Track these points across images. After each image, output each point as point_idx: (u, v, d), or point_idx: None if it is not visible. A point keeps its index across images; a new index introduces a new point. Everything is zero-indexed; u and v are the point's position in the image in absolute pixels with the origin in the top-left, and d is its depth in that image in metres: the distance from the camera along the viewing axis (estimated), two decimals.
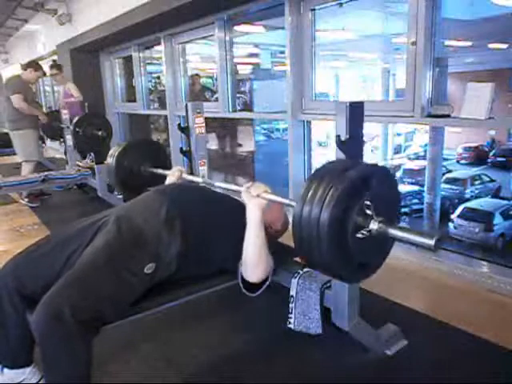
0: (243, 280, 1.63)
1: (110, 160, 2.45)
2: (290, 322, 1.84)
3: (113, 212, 1.66)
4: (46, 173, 4.40)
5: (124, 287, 1.39)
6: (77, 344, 1.24)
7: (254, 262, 1.58)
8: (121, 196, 4.59)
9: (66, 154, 5.40)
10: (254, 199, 1.56)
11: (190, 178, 2.23)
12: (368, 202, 1.18)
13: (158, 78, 5.92)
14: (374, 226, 1.20)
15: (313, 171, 1.27)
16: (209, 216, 1.69)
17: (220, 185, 1.97)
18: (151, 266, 1.46)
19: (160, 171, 2.37)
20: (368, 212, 1.19)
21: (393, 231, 1.19)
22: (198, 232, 1.63)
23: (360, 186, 1.19)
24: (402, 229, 1.21)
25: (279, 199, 1.56)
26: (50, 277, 1.43)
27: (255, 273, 1.59)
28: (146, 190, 2.40)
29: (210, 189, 2.04)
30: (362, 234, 1.19)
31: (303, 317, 1.81)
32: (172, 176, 2.16)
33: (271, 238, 1.74)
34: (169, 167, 2.41)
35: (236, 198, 1.99)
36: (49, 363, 1.27)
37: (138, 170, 2.47)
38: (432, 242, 1.10)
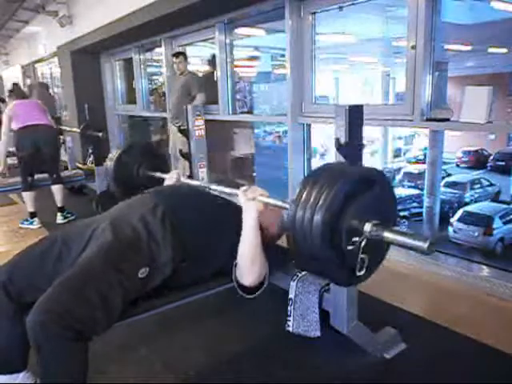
0: (238, 282, 1.63)
1: (109, 163, 2.43)
2: (288, 325, 1.84)
3: (107, 214, 1.65)
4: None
5: (118, 292, 1.36)
6: (71, 349, 1.24)
7: (248, 264, 1.58)
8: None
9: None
10: (250, 202, 1.57)
11: (188, 181, 2.22)
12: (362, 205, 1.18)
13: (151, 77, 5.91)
14: (368, 228, 1.19)
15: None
16: (206, 217, 1.68)
17: (216, 188, 1.97)
18: (144, 270, 1.44)
19: (158, 174, 2.36)
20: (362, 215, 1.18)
21: (387, 234, 1.18)
22: (195, 233, 1.62)
23: (354, 188, 1.18)
24: (396, 232, 1.19)
25: (274, 202, 1.56)
26: (40, 280, 1.42)
27: (249, 276, 1.59)
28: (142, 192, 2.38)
29: (209, 191, 2.03)
30: (356, 237, 1.18)
31: (302, 319, 1.81)
32: (170, 180, 2.16)
33: (268, 241, 1.74)
34: (167, 171, 2.40)
35: (235, 203, 1.99)
36: (44, 367, 1.26)
37: (137, 172, 2.44)
38: (425, 245, 1.09)
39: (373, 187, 1.23)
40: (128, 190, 2.45)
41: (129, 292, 1.41)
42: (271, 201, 1.56)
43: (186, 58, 4.25)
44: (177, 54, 4.25)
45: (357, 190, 1.19)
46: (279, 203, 1.55)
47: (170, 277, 1.54)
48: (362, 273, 1.23)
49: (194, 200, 1.78)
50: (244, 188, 1.63)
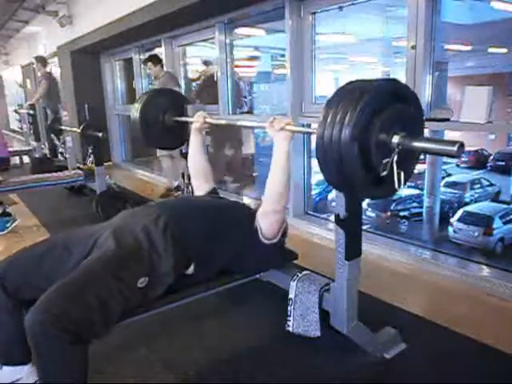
0: (263, 235, 1.72)
1: (135, 113, 2.40)
2: (288, 325, 1.84)
3: (111, 223, 1.65)
4: (34, 176, 4.30)
5: (118, 301, 1.37)
6: (70, 351, 1.24)
7: (280, 190, 1.67)
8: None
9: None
10: (280, 132, 1.65)
11: (214, 121, 2.20)
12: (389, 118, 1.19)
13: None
14: (396, 140, 1.21)
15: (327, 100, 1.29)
16: (212, 224, 1.69)
17: (244, 123, 1.98)
18: (144, 280, 1.45)
19: (184, 119, 2.37)
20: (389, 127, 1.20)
21: (416, 143, 1.21)
22: (199, 241, 1.63)
23: (380, 102, 1.20)
24: (425, 140, 1.22)
25: (302, 129, 1.67)
26: (37, 279, 1.44)
27: (281, 202, 1.69)
28: (171, 140, 2.50)
29: (214, 198, 2.03)
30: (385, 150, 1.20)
31: (302, 320, 1.80)
32: (196, 122, 2.15)
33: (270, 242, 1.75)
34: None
35: (243, 202, 2.00)
36: (42, 367, 1.27)
37: (163, 119, 2.43)
38: (454, 148, 1.13)
39: (397, 100, 1.24)
40: (155, 137, 2.49)
41: (129, 301, 1.41)
42: (298, 129, 1.62)
43: (155, 62, 4.22)
44: (144, 62, 4.30)
45: (381, 105, 1.20)
46: (307, 129, 1.70)
47: (173, 284, 1.55)
48: (400, 186, 1.26)
49: (200, 208, 1.78)
50: (270, 120, 1.69)
